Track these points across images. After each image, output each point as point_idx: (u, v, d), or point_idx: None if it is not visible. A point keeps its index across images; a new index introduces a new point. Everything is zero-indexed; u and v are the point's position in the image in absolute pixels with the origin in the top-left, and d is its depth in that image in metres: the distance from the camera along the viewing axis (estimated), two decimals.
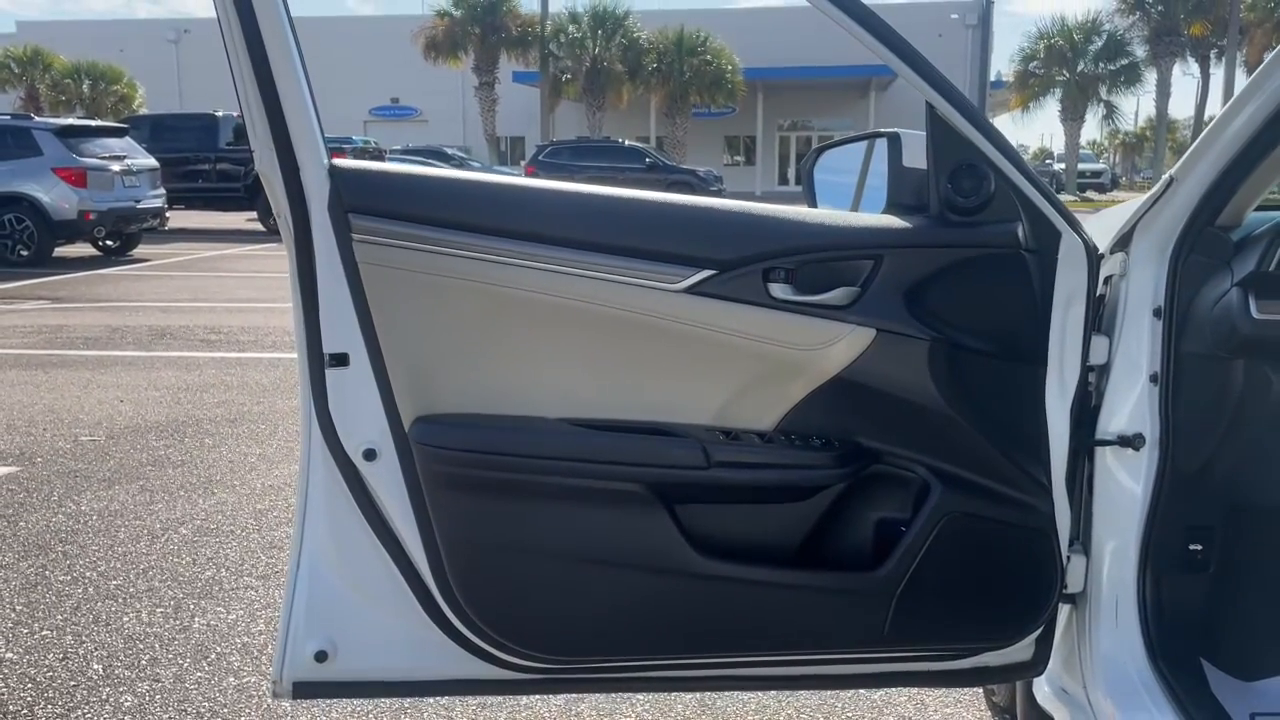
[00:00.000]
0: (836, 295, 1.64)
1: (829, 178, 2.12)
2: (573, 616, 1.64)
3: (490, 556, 1.61)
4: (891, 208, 1.80)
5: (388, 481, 1.60)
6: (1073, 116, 35.70)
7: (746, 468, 1.64)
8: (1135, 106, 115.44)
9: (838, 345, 1.64)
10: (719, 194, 24.04)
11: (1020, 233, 1.67)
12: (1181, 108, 76.24)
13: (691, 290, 1.60)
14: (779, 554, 1.71)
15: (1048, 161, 45.78)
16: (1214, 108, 45.37)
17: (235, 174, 17.01)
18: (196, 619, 3.02)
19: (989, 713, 2.50)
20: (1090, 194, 34.34)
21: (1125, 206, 2.05)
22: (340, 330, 1.57)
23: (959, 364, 1.68)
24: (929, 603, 1.70)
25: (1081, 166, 36.93)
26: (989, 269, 1.67)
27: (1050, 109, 36.39)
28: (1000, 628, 1.75)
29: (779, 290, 1.62)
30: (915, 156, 1.78)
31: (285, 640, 1.63)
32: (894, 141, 1.82)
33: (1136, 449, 1.76)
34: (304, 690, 1.65)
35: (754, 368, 1.66)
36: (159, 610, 3.08)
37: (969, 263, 1.67)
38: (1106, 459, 1.79)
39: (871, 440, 1.70)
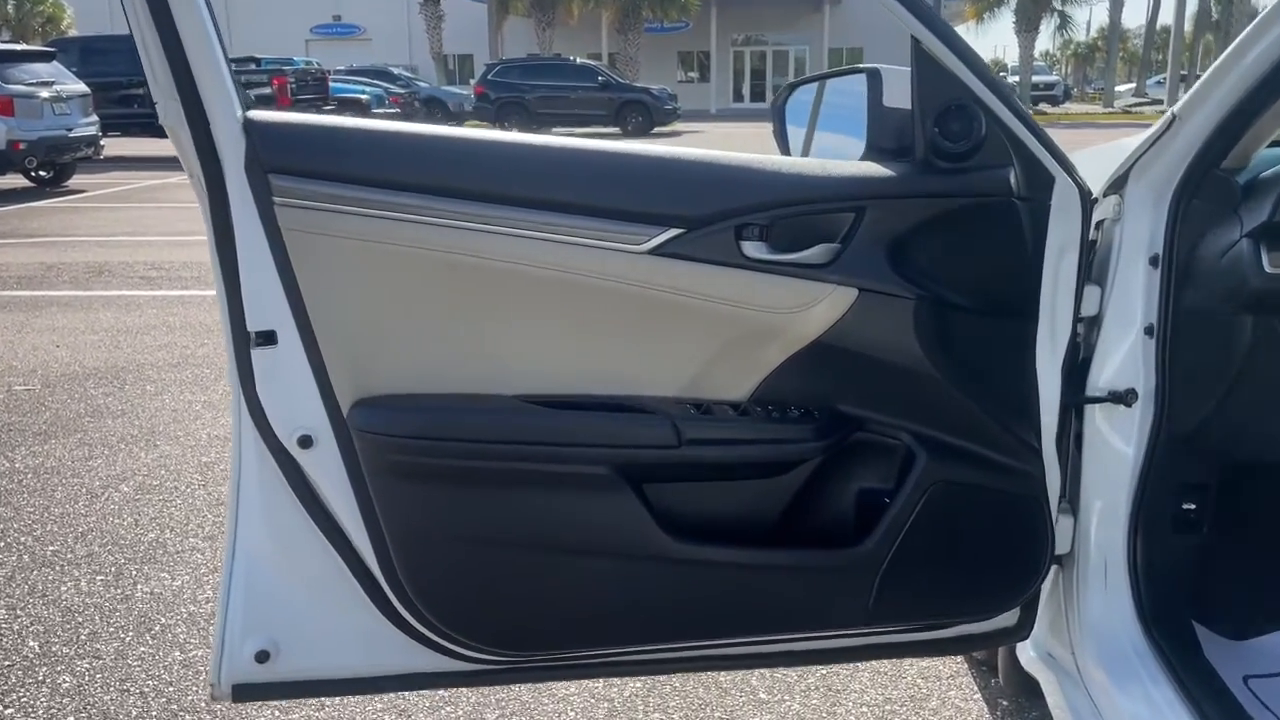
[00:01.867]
0: (815, 253, 1.51)
1: (804, 118, 1.96)
2: (536, 609, 1.52)
3: (444, 549, 1.48)
4: (871, 152, 1.66)
5: (327, 470, 1.46)
6: (1027, 28, 35.45)
7: (721, 444, 1.52)
8: (1088, 16, 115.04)
9: (817, 307, 1.51)
10: (674, 113, 23.63)
11: (1012, 179, 1.53)
12: (1133, 17, 76.10)
13: (657, 251, 1.46)
14: (755, 532, 1.60)
15: (1001, 74, 45.60)
16: (1166, 17, 45.25)
17: None
18: (139, 586, 2.88)
19: (966, 664, 2.44)
20: (1044, 106, 34.24)
21: (1114, 145, 1.92)
22: (265, 305, 1.40)
23: (946, 323, 1.56)
24: (915, 576, 1.60)
25: (1035, 79, 36.76)
26: (978, 219, 1.54)
27: (1004, 20, 36.13)
28: (989, 598, 1.66)
29: (753, 249, 1.49)
30: (897, 95, 1.63)
31: (222, 641, 1.50)
32: (874, 79, 1.66)
33: (1128, 405, 1.66)
34: (245, 693, 1.52)
35: (727, 334, 1.53)
36: (99, 578, 2.93)
37: (957, 213, 1.53)
38: (1096, 416, 1.70)
39: (852, 407, 1.59)
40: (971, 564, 1.63)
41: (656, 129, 23.31)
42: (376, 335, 1.45)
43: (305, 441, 1.44)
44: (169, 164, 16.06)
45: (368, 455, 1.44)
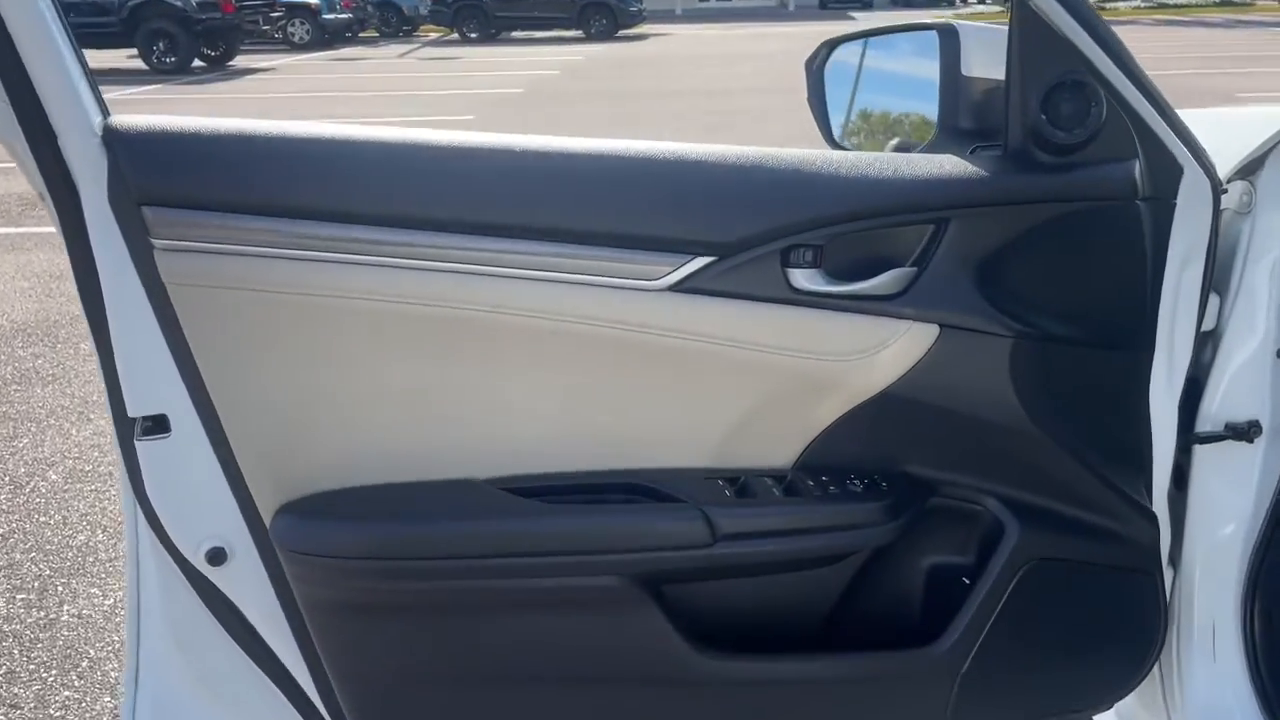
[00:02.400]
0: (884, 281, 1.17)
1: (849, 83, 1.57)
2: None
3: (405, 694, 1.14)
4: (943, 137, 1.29)
5: (249, 589, 1.11)
6: None
7: (766, 538, 1.20)
8: None
9: (887, 351, 1.19)
10: (639, 15, 22.80)
11: (1136, 174, 1.17)
12: None
13: (680, 287, 1.13)
14: (803, 634, 1.29)
15: None
16: None
17: (109, 5, 15.49)
18: (65, 606, 2.53)
19: None
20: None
21: (1217, 114, 1.56)
22: (151, 382, 1.04)
23: (1047, 361, 1.23)
24: (1002, 675, 1.30)
25: None
26: (1091, 228, 1.19)
27: None
28: (1093, 691, 1.36)
29: (804, 279, 1.15)
30: (981, 62, 1.26)
31: None
32: (948, 39, 1.29)
33: (1250, 440, 1.35)
34: None
35: (768, 388, 1.21)
36: (20, 596, 2.58)
37: (1065, 222, 1.18)
38: (1206, 454, 1.37)
39: (926, 469, 1.28)
40: (1071, 654, 1.33)
41: (621, 32, 22.48)
42: (304, 415, 1.09)
43: (216, 557, 1.09)
44: (107, 78, 15.25)
45: (301, 582, 1.09)
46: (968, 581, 1.27)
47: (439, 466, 1.14)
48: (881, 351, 1.18)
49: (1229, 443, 1.35)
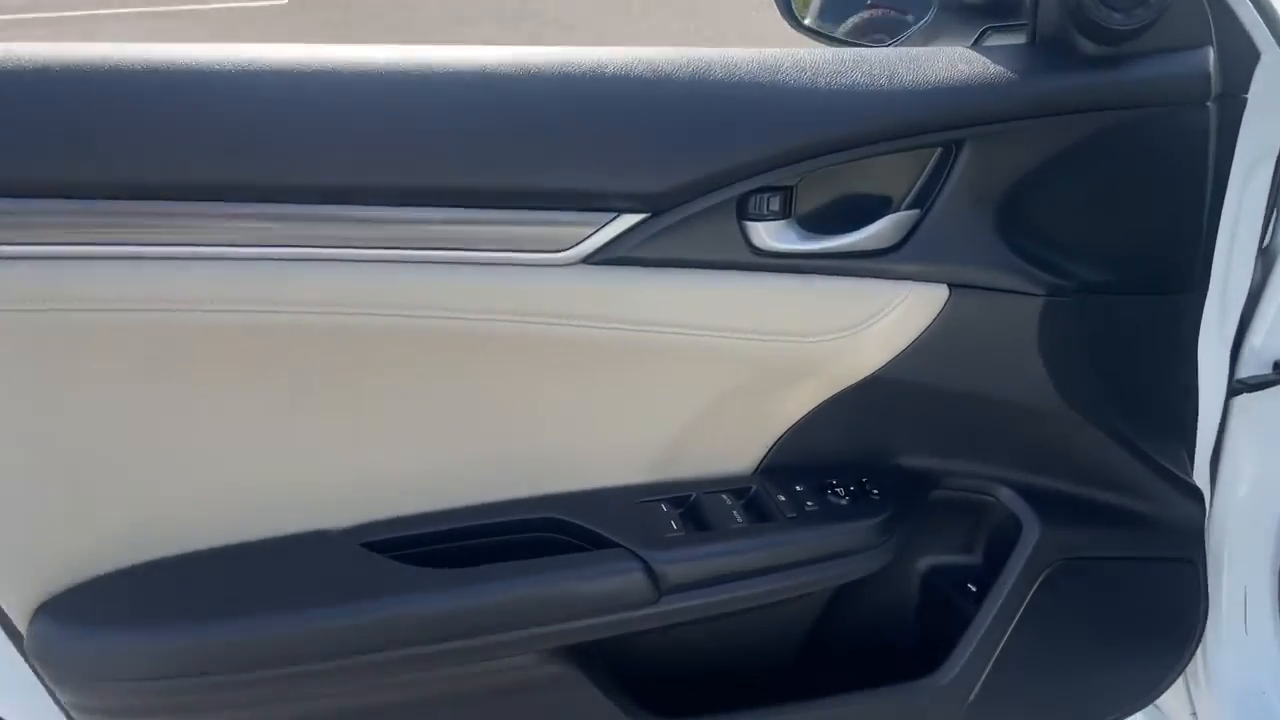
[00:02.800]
0: (876, 231, 0.90)
1: None
2: None
3: None
4: (943, 14, 1.00)
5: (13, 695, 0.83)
6: None
7: (726, 583, 0.95)
8: None
9: (881, 323, 0.92)
10: None
11: (1211, 69, 0.88)
12: None
13: (598, 258, 0.84)
14: (775, 676, 1.08)
15: None
16: None
17: None
18: None
19: None
20: None
21: None
22: None
23: (1084, 318, 0.98)
24: (1015, 700, 1.08)
25: None
26: (1148, 143, 0.91)
27: None
28: (1116, 703, 1.16)
29: (767, 235, 0.87)
30: None
31: None
32: None
33: None
34: None
35: (724, 383, 0.96)
36: None
37: (1116, 135, 0.90)
38: (1245, 404, 1.16)
39: (926, 459, 1.04)
40: (1097, 663, 1.13)
41: None
42: (76, 464, 0.79)
43: None
44: None
45: (80, 713, 0.79)
46: (975, 590, 1.05)
47: (273, 519, 0.86)
48: (874, 324, 0.92)
49: (1276, 389, 1.12)
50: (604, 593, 0.91)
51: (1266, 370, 1.13)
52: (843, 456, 1.02)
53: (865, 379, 0.96)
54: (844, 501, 0.99)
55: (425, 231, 0.80)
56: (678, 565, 0.92)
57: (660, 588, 0.91)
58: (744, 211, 0.87)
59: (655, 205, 0.84)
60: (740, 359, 0.92)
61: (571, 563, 0.91)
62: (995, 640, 1.04)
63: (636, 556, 0.91)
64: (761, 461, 1.01)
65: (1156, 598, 1.12)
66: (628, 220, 0.83)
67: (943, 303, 0.93)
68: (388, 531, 0.91)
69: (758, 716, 1.00)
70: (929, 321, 0.93)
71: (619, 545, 0.92)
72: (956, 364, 0.96)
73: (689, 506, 0.98)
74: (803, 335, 0.92)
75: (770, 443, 1.00)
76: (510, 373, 0.89)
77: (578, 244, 0.83)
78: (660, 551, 0.92)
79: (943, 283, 0.92)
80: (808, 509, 0.97)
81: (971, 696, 1.04)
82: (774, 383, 0.96)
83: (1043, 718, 1.14)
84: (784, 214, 0.88)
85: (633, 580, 0.91)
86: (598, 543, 0.93)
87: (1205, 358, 1.03)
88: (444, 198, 0.80)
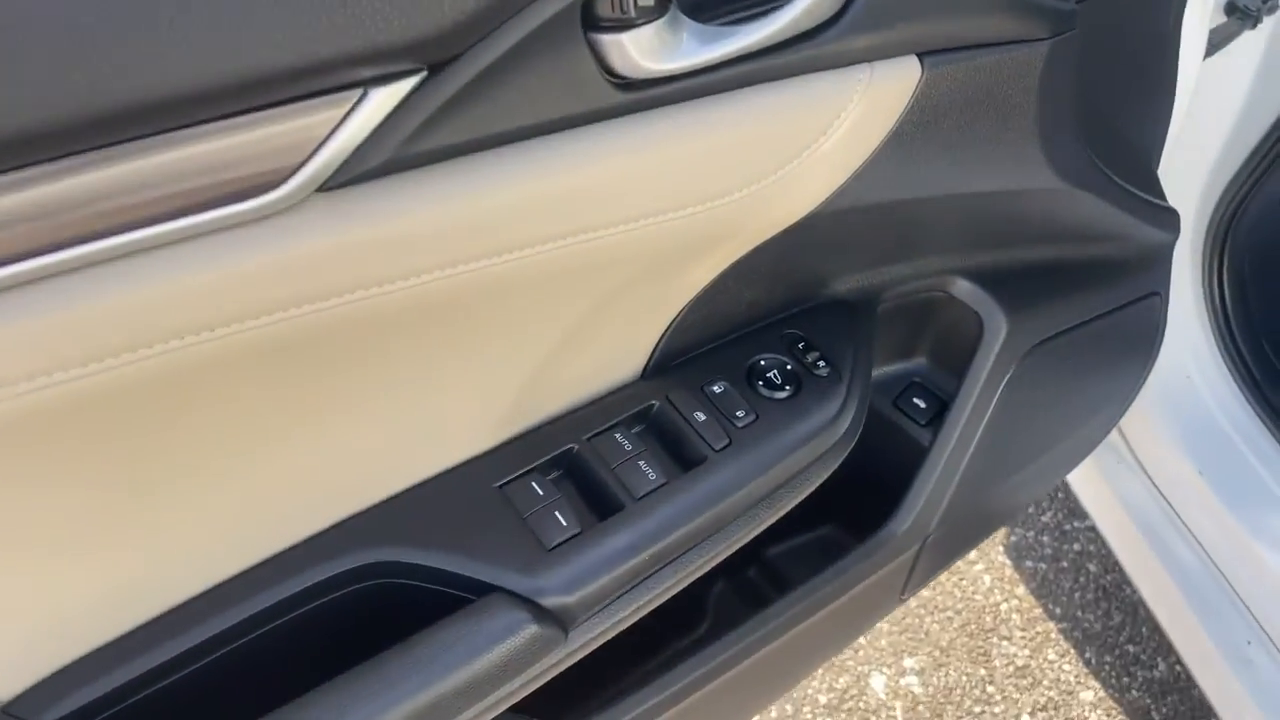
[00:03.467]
0: (801, 7, 0.66)
1: None
2: None
3: None
4: None
5: None
6: None
7: (656, 574, 0.79)
8: None
9: (827, 144, 0.72)
10: None
11: None
12: None
13: (343, 177, 0.56)
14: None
15: None
16: None
17: None
18: None
19: None
20: None
21: None
22: None
23: (1085, 47, 0.84)
24: (970, 519, 1.06)
25: None
26: None
27: None
28: (1076, 452, 1.18)
29: (637, 49, 0.61)
30: None
31: None
32: None
33: (1256, 23, 1.11)
34: None
35: (595, 291, 0.73)
36: None
37: None
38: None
39: (866, 276, 0.93)
40: (1053, 435, 1.10)
41: None
42: None
43: None
44: None
45: None
46: (924, 405, 1.01)
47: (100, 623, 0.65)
48: (818, 147, 0.71)
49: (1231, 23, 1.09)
50: (476, 675, 0.69)
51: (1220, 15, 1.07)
52: (757, 312, 0.86)
53: (802, 220, 0.75)
54: (784, 393, 0.83)
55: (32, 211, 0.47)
56: (579, 582, 0.72)
57: (564, 622, 0.72)
58: (592, 19, 0.58)
59: (431, 53, 0.53)
60: (619, 258, 0.68)
61: (414, 650, 0.68)
62: (948, 478, 0.97)
63: (511, 596, 0.70)
64: (652, 354, 0.81)
65: (1119, 340, 1.07)
66: (386, 95, 0.53)
67: (914, 83, 0.71)
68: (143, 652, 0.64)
69: (711, 655, 0.89)
70: (895, 118, 0.72)
71: (480, 582, 0.71)
72: (926, 163, 0.78)
73: (570, 467, 0.79)
74: (712, 197, 0.68)
75: (662, 329, 0.81)
76: (253, 391, 0.60)
77: (302, 164, 0.52)
78: (545, 572, 0.71)
79: (911, 53, 0.71)
80: (739, 422, 0.82)
81: (927, 540, 1.02)
82: (669, 267, 0.74)
83: (991, 524, 1.12)
84: (658, 9, 0.60)
85: (517, 640, 0.70)
86: (448, 581, 0.71)
87: (1191, 26, 0.97)
88: (53, 143, 0.46)
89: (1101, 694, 1.83)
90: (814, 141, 0.72)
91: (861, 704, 1.82)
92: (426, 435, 0.75)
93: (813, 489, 0.87)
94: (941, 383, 1.06)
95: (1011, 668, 1.86)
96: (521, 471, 0.78)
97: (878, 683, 1.84)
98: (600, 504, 0.78)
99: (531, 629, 0.72)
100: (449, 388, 0.73)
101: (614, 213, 0.66)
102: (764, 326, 0.90)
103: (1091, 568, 1.97)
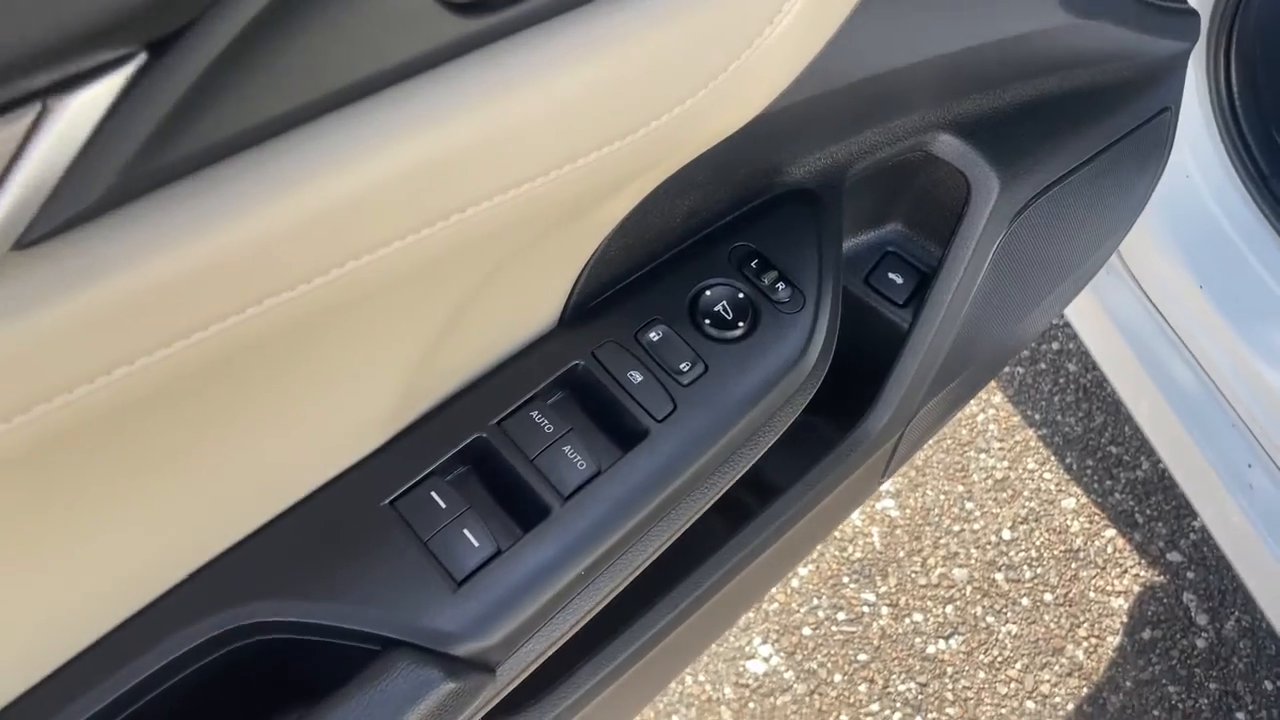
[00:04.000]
0: None
1: None
2: None
3: None
4: None
5: None
6: None
7: (585, 592, 0.65)
8: None
9: (770, 41, 0.55)
10: None
11: None
12: None
13: (40, 230, 0.36)
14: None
15: None
16: None
17: None
18: None
19: None
20: None
21: None
22: None
23: None
24: (956, 391, 0.93)
25: None
26: None
27: None
28: (1073, 289, 1.03)
29: None
30: None
31: None
32: None
33: None
34: None
35: (488, 261, 0.56)
36: None
37: None
38: None
39: (828, 155, 0.76)
40: (1061, 277, 0.97)
41: None
42: None
43: None
44: None
45: None
46: (900, 281, 0.86)
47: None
48: (763, 41, 0.54)
49: None
50: None
51: None
52: (697, 222, 0.70)
53: (749, 122, 0.60)
54: (736, 331, 0.68)
55: None
56: (501, 619, 0.58)
57: (488, 663, 0.59)
58: None
59: (139, 28, 0.34)
60: (511, 223, 0.51)
61: None
62: (929, 365, 0.83)
63: (416, 650, 0.57)
64: (569, 296, 0.66)
65: (1123, 171, 0.93)
66: (85, 101, 0.34)
67: None
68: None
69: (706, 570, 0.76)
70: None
71: (377, 635, 0.57)
72: (908, 26, 0.67)
73: (478, 463, 0.63)
74: (626, 131, 0.50)
75: (578, 269, 0.64)
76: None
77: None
78: (456, 613, 0.57)
79: None
80: (683, 377, 0.66)
81: (905, 428, 0.88)
82: (580, 212, 0.59)
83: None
84: None
85: (428, 703, 0.56)
86: (340, 634, 0.57)
87: None
88: None
89: (1084, 500, 1.77)
90: (760, 32, 0.54)
91: (837, 533, 1.75)
92: (286, 461, 0.59)
93: (779, 436, 0.72)
94: (920, 252, 0.89)
95: (990, 481, 1.78)
96: (417, 479, 0.61)
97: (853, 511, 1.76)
98: (520, 509, 0.63)
99: (445, 687, 0.57)
100: (300, 415, 0.56)
101: (491, 179, 0.48)
102: (706, 241, 0.72)
103: (1071, 367, 1.87)
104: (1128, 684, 1.64)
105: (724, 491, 0.70)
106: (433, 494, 0.61)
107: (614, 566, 0.65)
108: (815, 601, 1.70)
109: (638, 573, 0.67)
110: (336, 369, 0.54)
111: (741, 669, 1.66)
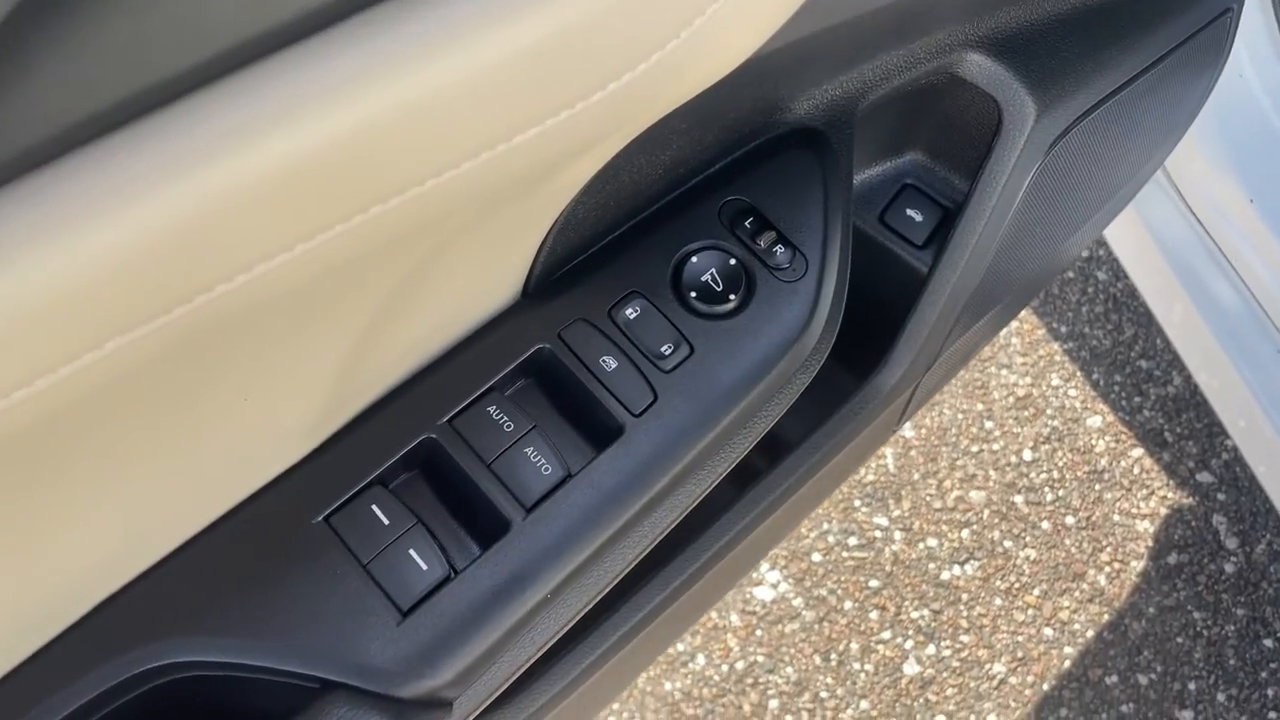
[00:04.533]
0: None
1: None
2: None
3: None
4: None
5: None
6: None
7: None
8: None
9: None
10: None
11: None
12: None
13: None
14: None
15: None
16: None
17: None
18: None
19: None
20: None
21: None
22: None
23: None
24: (978, 333, 0.84)
25: None
26: None
27: None
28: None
29: None
30: None
31: None
32: None
33: None
34: None
35: (400, 260, 0.45)
36: None
37: None
38: None
39: (835, 87, 0.66)
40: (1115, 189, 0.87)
41: None
42: None
43: None
44: None
45: None
46: (920, 219, 0.76)
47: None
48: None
49: None
50: None
51: None
52: (681, 174, 0.60)
53: (738, 67, 0.48)
54: (728, 304, 0.58)
55: None
56: (453, 654, 0.51)
57: (442, 701, 0.52)
58: None
59: None
60: (451, 208, 0.41)
61: None
62: (962, 291, 0.73)
63: (356, 694, 0.49)
64: (533, 264, 0.56)
65: (1176, 85, 0.82)
66: None
67: None
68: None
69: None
70: None
71: (311, 676, 0.49)
72: None
73: (426, 468, 0.54)
74: (585, 92, 0.40)
75: (540, 236, 0.55)
76: None
77: None
78: (401, 649, 0.50)
79: None
80: (665, 362, 0.57)
81: (921, 379, 0.79)
82: (536, 182, 0.47)
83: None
84: None
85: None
86: (268, 672, 0.50)
87: None
88: None
89: (1110, 418, 1.68)
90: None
91: None
92: (201, 473, 0.49)
93: (778, 418, 0.62)
94: (941, 186, 0.78)
95: (1011, 399, 1.69)
96: (354, 491, 0.53)
97: None
98: (476, 523, 0.55)
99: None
100: (214, 421, 0.46)
101: (412, 163, 0.37)
102: (692, 196, 0.61)
103: (1100, 275, 1.76)
104: (1151, 610, 1.58)
105: (712, 488, 0.61)
106: (373, 507, 0.53)
107: (585, 582, 0.57)
108: (825, 526, 1.63)
109: (612, 585, 0.59)
110: (251, 368, 0.45)
111: (749, 596, 1.61)
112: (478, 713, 0.57)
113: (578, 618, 0.58)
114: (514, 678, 0.57)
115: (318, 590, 0.51)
